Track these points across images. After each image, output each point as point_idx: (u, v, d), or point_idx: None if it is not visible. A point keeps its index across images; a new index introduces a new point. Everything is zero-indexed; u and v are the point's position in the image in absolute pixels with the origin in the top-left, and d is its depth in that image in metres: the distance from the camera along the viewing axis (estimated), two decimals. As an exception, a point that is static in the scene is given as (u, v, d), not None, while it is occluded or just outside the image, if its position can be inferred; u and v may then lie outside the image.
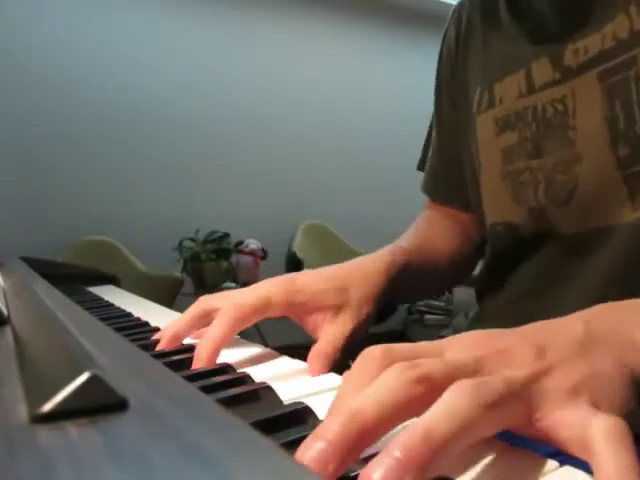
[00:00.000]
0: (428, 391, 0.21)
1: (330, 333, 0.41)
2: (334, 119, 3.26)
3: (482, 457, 0.22)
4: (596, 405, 0.22)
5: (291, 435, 0.24)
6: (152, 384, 0.20)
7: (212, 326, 0.38)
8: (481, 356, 0.23)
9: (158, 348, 0.41)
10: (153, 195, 2.72)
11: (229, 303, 0.39)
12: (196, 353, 0.37)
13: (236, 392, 0.30)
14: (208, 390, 0.30)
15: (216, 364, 0.38)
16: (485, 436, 0.21)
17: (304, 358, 0.39)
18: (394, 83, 3.46)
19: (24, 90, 2.43)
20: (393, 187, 3.13)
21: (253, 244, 2.68)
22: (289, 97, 3.13)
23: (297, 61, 3.18)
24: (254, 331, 2.31)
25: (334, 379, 0.34)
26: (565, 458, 0.21)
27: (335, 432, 0.19)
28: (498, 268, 0.57)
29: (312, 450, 0.18)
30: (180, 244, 2.54)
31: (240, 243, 2.65)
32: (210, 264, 2.47)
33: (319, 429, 0.19)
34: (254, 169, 3.00)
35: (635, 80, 0.41)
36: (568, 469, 0.21)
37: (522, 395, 0.21)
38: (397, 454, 0.17)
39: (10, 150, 2.39)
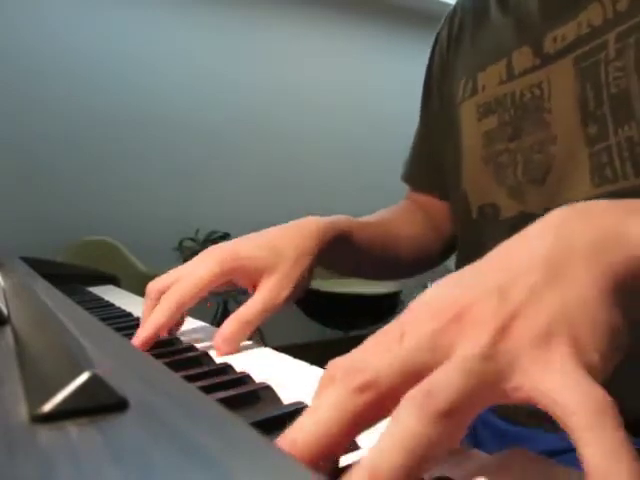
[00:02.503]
0: (375, 397, 0.19)
1: (263, 295, 0.45)
2: (334, 119, 3.26)
3: (481, 457, 0.22)
4: (578, 345, 0.19)
5: (291, 435, 0.24)
6: (152, 384, 0.20)
7: (155, 311, 0.43)
8: (438, 329, 0.20)
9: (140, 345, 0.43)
10: (153, 195, 2.72)
11: (172, 289, 0.44)
12: (137, 335, 0.42)
13: (236, 392, 0.30)
14: (208, 390, 0.30)
15: (216, 364, 0.38)
16: (459, 438, 0.18)
17: (304, 358, 0.39)
18: (394, 83, 3.46)
19: (24, 90, 2.43)
20: (393, 187, 3.12)
21: (253, 244, 2.67)
22: (289, 97, 3.13)
23: (297, 61, 3.18)
24: (254, 331, 2.30)
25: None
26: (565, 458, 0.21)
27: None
28: (473, 258, 0.57)
29: None
30: (180, 244, 2.54)
31: (240, 243, 2.65)
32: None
33: None
34: (254, 169, 3.00)
35: (605, 63, 0.43)
36: (568, 469, 0.21)
37: (487, 370, 0.18)
38: None
39: (10, 150, 2.39)
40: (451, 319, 0.20)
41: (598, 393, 0.17)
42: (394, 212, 0.69)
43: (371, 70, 3.43)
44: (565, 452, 0.45)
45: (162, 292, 0.45)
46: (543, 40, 0.49)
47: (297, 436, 0.19)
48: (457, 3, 0.66)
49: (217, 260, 0.45)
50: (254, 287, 0.47)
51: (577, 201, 0.39)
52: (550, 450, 0.44)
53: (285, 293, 0.46)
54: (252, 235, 0.49)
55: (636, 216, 0.22)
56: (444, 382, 0.18)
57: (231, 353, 0.42)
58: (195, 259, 0.47)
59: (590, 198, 0.43)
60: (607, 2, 0.43)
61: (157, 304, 0.44)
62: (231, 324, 0.43)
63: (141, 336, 0.41)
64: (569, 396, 0.17)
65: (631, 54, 0.41)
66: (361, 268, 0.63)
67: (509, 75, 0.52)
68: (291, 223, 0.51)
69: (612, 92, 0.42)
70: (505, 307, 0.20)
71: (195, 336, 0.48)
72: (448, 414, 0.17)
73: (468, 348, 0.19)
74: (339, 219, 0.54)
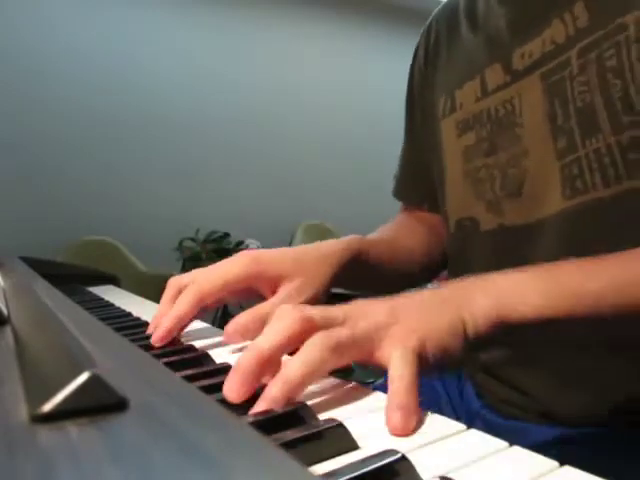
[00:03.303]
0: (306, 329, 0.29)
1: (280, 298, 0.45)
2: (334, 119, 3.26)
3: (483, 457, 0.22)
4: (423, 345, 0.30)
5: (291, 435, 0.24)
6: (152, 384, 0.20)
7: (176, 303, 0.43)
8: (348, 311, 0.32)
9: (157, 340, 0.42)
10: (153, 195, 2.72)
11: (192, 283, 0.45)
12: (158, 326, 0.42)
13: (236, 392, 0.30)
14: (208, 390, 0.30)
15: (216, 364, 0.38)
16: (336, 367, 0.29)
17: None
18: (394, 83, 3.46)
19: (24, 90, 2.43)
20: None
21: (253, 244, 2.68)
22: (289, 97, 3.13)
23: (297, 61, 3.18)
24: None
25: (334, 379, 0.34)
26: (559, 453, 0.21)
27: (240, 363, 0.28)
28: (458, 270, 0.59)
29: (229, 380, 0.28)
30: (180, 244, 2.54)
31: (240, 243, 2.65)
32: (210, 264, 2.46)
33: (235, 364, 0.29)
34: (254, 169, 3.00)
35: (570, 79, 0.44)
36: (568, 469, 0.21)
37: (367, 338, 0.30)
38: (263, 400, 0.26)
39: (10, 150, 2.39)
40: (359, 309, 0.32)
41: (406, 370, 0.28)
42: (393, 227, 0.70)
43: (371, 70, 3.43)
44: (556, 444, 0.45)
45: (181, 288, 0.46)
46: (512, 57, 0.50)
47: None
48: (432, 17, 0.67)
49: (241, 263, 0.46)
50: (273, 294, 0.47)
51: (551, 214, 0.44)
52: (542, 442, 0.44)
53: (302, 299, 0.46)
54: (277, 248, 0.51)
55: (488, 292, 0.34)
56: (340, 331, 0.29)
57: (238, 343, 0.42)
58: (219, 262, 0.47)
59: (562, 210, 0.45)
60: (568, 19, 0.45)
61: (175, 300, 0.45)
62: (246, 316, 0.43)
63: (163, 327, 0.42)
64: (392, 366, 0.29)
65: (593, 69, 0.42)
66: (373, 285, 0.64)
67: (483, 92, 0.54)
68: (311, 245, 0.53)
69: (578, 106, 0.43)
70: (389, 317, 0.31)
71: (195, 336, 0.48)
72: (335, 349, 0.28)
73: (364, 323, 0.31)
74: (351, 241, 0.56)
